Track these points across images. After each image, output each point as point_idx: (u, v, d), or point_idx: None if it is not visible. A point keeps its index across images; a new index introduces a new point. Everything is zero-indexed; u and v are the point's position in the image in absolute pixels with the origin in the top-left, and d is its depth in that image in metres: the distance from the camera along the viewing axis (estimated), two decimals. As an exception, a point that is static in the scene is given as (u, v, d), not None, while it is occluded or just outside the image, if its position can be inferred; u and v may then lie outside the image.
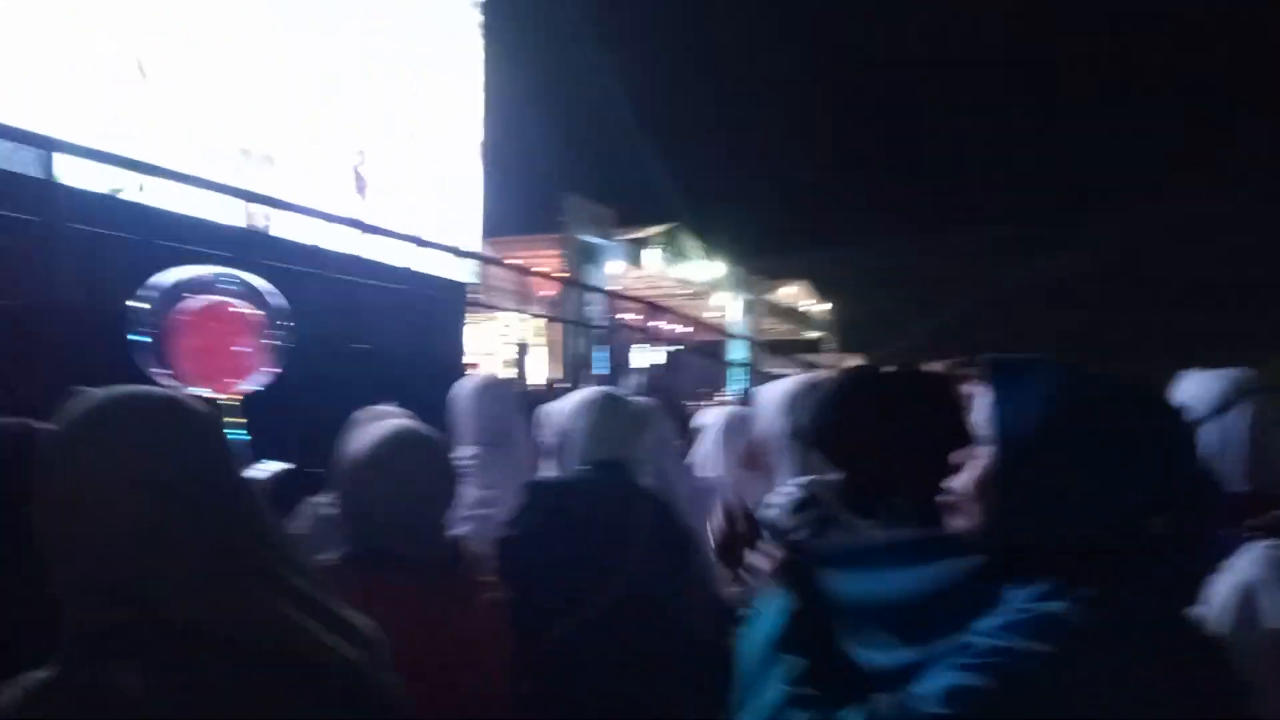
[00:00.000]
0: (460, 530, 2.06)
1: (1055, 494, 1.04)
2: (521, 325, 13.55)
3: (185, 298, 2.65)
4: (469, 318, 9.82)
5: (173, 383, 2.61)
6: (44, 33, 5.77)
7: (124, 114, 6.20)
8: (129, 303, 2.62)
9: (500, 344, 12.22)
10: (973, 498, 1.11)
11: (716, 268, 22.27)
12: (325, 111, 8.20)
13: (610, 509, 2.05)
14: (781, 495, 1.75)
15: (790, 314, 27.41)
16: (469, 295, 9.84)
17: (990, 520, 1.09)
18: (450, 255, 8.45)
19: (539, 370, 13.06)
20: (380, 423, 1.84)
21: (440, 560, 1.72)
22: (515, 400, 2.94)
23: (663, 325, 21.24)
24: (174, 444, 0.98)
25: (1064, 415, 1.05)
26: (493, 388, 2.92)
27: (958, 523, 1.14)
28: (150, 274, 2.64)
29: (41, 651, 0.92)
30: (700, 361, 15.26)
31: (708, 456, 3.17)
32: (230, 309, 2.72)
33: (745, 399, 4.56)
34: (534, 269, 14.05)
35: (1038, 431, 1.05)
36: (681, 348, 16.19)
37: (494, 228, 13.14)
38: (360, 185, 8.60)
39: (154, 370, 2.58)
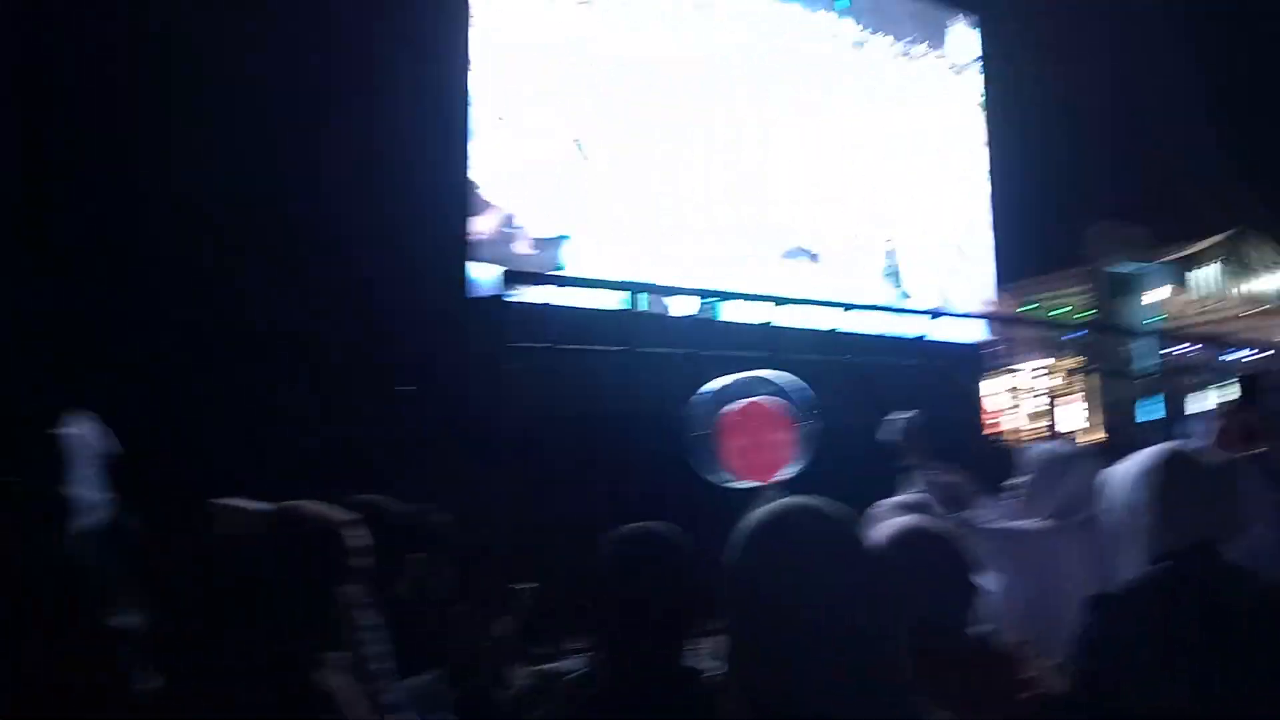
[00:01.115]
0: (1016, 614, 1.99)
1: None
2: (1049, 375, 12.48)
3: (728, 402, 3.05)
4: (991, 374, 9.46)
5: (725, 476, 2.99)
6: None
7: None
8: (686, 410, 3.09)
9: (1025, 398, 11.34)
10: None
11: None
12: (858, 206, 8.85)
13: (1204, 616, 1.67)
14: None
15: None
16: (988, 352, 9.51)
17: None
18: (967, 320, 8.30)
19: (1074, 422, 11.84)
20: (891, 521, 1.90)
21: (966, 657, 1.69)
22: (1092, 472, 2.61)
23: (1233, 356, 17.69)
24: (839, 552, 1.19)
25: None
26: (1067, 457, 2.77)
27: None
28: (700, 381, 3.10)
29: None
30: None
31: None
32: (765, 407, 3.05)
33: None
34: (1055, 312, 12.87)
35: None
36: (1264, 375, 13.23)
37: (1011, 272, 12.47)
38: (891, 271, 8.97)
39: (708, 467, 3.00)
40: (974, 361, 9.00)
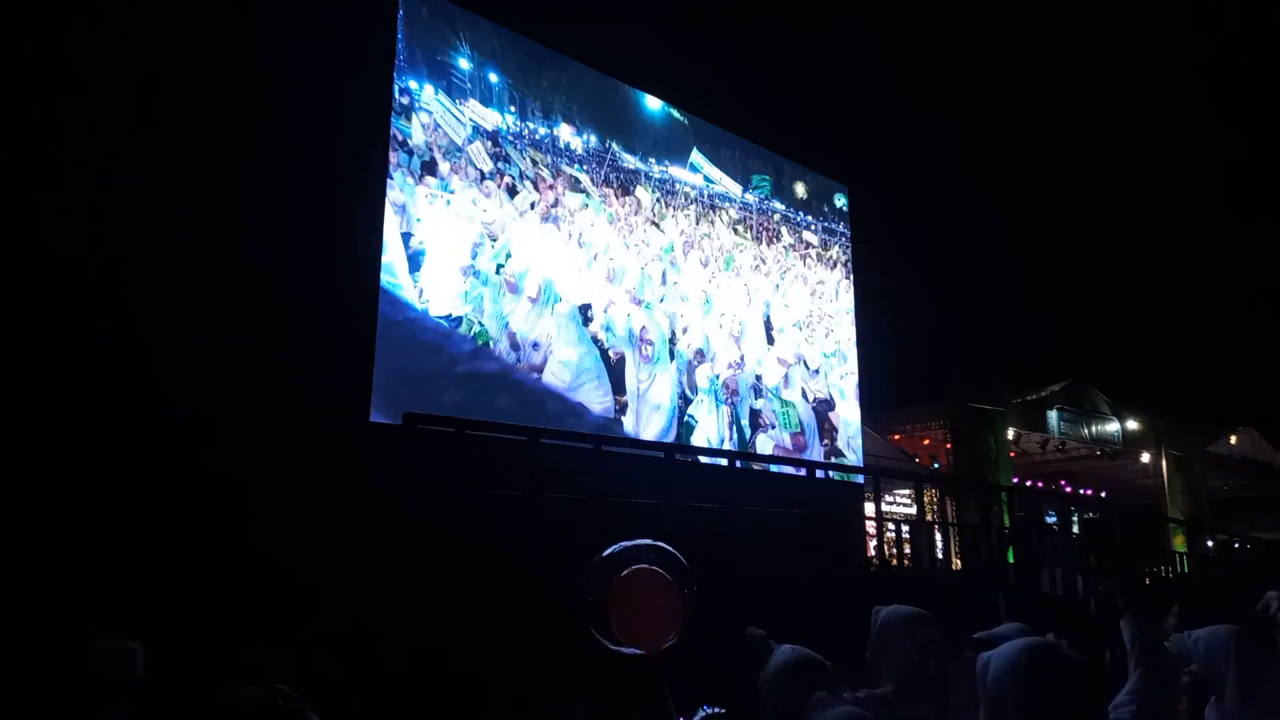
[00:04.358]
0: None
1: None
2: (919, 500, 13.16)
3: (616, 569, 3.15)
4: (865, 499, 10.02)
5: (609, 643, 3.09)
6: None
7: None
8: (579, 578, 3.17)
9: (889, 526, 11.94)
10: None
11: (1136, 422, 19.75)
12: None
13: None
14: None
15: (1242, 467, 23.05)
16: (861, 485, 10.07)
17: None
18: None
19: (936, 549, 12.48)
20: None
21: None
22: (942, 639, 2.70)
23: (1077, 491, 19.13)
24: None
25: None
26: (916, 623, 2.70)
27: None
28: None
29: None
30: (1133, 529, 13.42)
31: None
32: (650, 575, 3.17)
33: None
34: (919, 449, 13.68)
35: None
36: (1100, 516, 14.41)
37: (878, 404, 13.30)
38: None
39: (595, 633, 3.08)
40: (855, 500, 9.55)
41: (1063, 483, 19.47)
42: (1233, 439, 22.58)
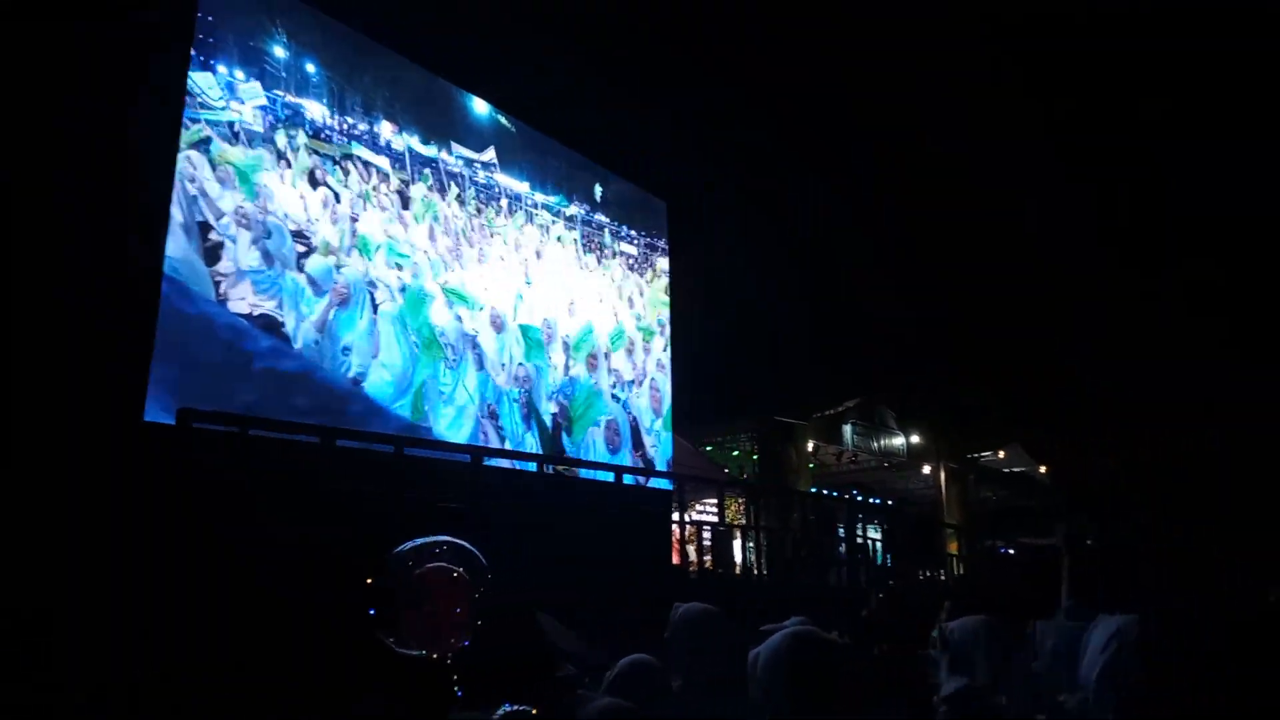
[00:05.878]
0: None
1: None
2: (725, 509, 13.71)
3: (409, 567, 3.09)
4: (673, 507, 10.35)
5: (399, 646, 3.03)
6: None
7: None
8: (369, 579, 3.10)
9: (698, 533, 12.38)
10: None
11: (919, 437, 21.58)
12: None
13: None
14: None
15: (1007, 481, 25.72)
16: (672, 492, 10.39)
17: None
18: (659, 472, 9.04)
19: (738, 555, 13.08)
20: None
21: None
22: (730, 637, 2.74)
23: (867, 500, 20.65)
24: None
25: None
26: (707, 620, 2.77)
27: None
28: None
29: None
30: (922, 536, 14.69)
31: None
32: (444, 575, 3.13)
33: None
34: (729, 460, 14.29)
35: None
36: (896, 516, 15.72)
37: (690, 415, 13.78)
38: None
39: (384, 635, 3.02)
40: (663, 506, 9.83)
41: (854, 492, 20.93)
42: (1000, 453, 25.12)
